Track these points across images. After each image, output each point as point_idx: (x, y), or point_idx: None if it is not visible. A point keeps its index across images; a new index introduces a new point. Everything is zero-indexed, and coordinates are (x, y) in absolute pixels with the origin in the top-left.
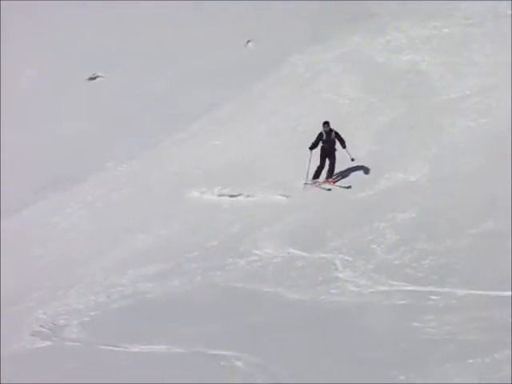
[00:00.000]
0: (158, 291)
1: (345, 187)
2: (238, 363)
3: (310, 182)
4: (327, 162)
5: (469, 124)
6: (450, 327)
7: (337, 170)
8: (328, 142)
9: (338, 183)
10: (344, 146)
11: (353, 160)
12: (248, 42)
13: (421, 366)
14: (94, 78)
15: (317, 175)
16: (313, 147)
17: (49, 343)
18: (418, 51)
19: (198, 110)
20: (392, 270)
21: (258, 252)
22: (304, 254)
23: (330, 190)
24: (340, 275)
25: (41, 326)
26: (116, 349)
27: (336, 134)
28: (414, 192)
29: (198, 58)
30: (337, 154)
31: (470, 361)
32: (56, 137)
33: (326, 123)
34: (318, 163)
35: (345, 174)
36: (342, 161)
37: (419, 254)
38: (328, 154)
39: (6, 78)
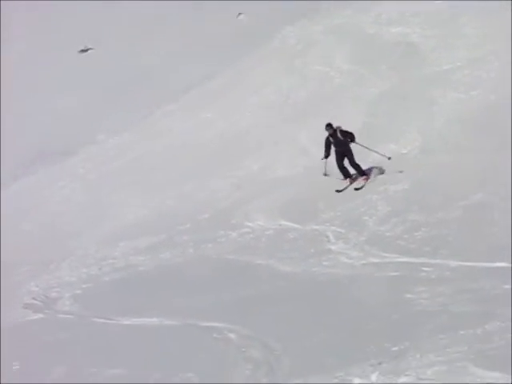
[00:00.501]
0: (149, 264)
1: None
2: (231, 335)
3: (347, 184)
4: (346, 161)
5: (459, 96)
6: (443, 298)
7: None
8: (338, 143)
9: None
10: (353, 140)
11: (389, 159)
12: (239, 14)
13: (413, 338)
14: (86, 51)
15: (345, 174)
16: (327, 156)
17: (41, 316)
18: (409, 24)
19: (188, 82)
20: (384, 242)
21: (250, 224)
22: (296, 226)
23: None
24: (332, 247)
25: (33, 299)
26: (108, 321)
27: (341, 132)
28: (406, 164)
29: (189, 31)
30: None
31: (462, 332)
32: (46, 110)
33: (328, 125)
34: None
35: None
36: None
37: (411, 225)
38: (343, 154)
39: None
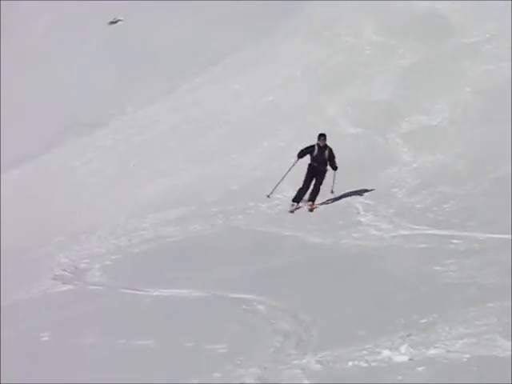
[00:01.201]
0: (178, 235)
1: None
2: (260, 307)
3: (292, 208)
4: (312, 183)
5: (488, 67)
6: (471, 271)
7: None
8: (319, 158)
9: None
10: (335, 168)
11: (332, 192)
12: None
13: (442, 310)
14: (115, 22)
15: (298, 198)
16: (301, 156)
17: (70, 287)
18: None
19: (216, 54)
20: (413, 214)
21: (279, 196)
22: (325, 198)
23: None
24: (362, 219)
25: (62, 270)
26: (137, 292)
27: (330, 151)
28: (435, 135)
29: (218, 4)
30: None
31: (491, 304)
32: (75, 81)
33: (323, 136)
34: (300, 184)
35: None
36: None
37: (440, 197)
38: (316, 174)
39: (22, 23)
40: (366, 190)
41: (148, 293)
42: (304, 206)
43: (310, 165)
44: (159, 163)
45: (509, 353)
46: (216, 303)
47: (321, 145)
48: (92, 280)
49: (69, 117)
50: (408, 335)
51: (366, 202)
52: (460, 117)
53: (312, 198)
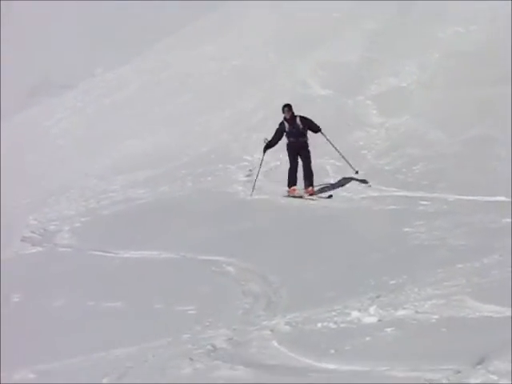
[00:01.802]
0: (148, 197)
1: (327, 197)
2: (229, 268)
3: (289, 194)
4: (299, 161)
5: (458, 30)
6: (440, 232)
7: None
8: (293, 133)
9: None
10: (317, 129)
11: (357, 173)
12: None
13: (411, 271)
14: None
15: (292, 181)
16: (271, 144)
17: (40, 249)
18: None
19: (186, 16)
20: (383, 176)
21: (248, 158)
22: None
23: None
24: (331, 181)
25: (32, 232)
26: (107, 254)
27: (302, 119)
28: (405, 98)
29: None
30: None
31: (460, 265)
32: (45, 41)
33: (286, 107)
34: (287, 164)
35: None
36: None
37: (409, 159)
38: (298, 149)
39: None
40: (336, 152)
41: (117, 255)
42: (304, 194)
43: (287, 144)
44: (128, 125)
45: (478, 313)
46: (185, 265)
47: (287, 117)
48: (61, 242)
49: (39, 78)
50: (377, 296)
51: (336, 163)
52: (429, 79)
53: (309, 182)
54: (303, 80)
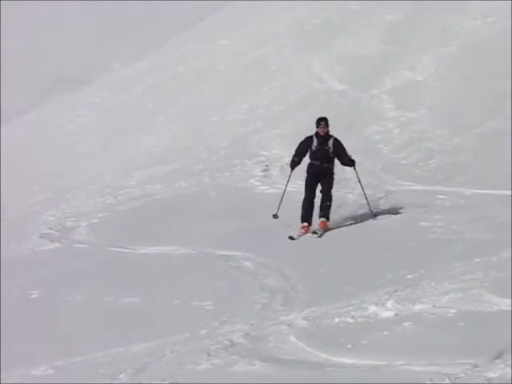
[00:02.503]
0: (165, 193)
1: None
2: (247, 263)
3: (297, 235)
4: (319, 188)
5: (475, 23)
6: (457, 226)
7: None
8: (320, 153)
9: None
10: (350, 163)
11: (374, 216)
12: None
13: (428, 265)
14: None
15: (306, 215)
16: (295, 163)
17: (57, 245)
18: None
19: (202, 11)
20: (399, 170)
21: (264, 153)
22: None
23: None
24: (347, 175)
25: (49, 229)
26: (124, 250)
27: (336, 142)
28: (421, 91)
29: None
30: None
31: (477, 259)
32: (61, 38)
33: (323, 121)
34: (302, 194)
35: None
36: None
37: (426, 153)
38: (320, 176)
39: None
40: (352, 146)
41: (135, 250)
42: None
43: (309, 164)
44: (145, 120)
45: (495, 307)
46: (203, 260)
47: (321, 134)
48: (79, 238)
49: (55, 74)
50: (394, 291)
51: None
52: (446, 73)
53: (325, 213)
54: (319, 74)
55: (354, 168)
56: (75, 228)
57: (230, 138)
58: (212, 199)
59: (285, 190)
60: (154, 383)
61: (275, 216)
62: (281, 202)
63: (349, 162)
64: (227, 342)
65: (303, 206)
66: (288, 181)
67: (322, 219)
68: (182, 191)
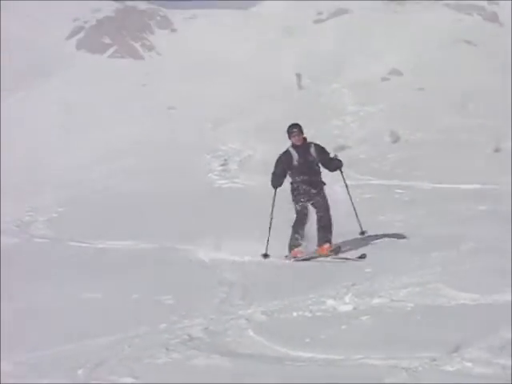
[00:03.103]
0: (126, 187)
1: (358, 258)
2: (205, 257)
3: (289, 258)
4: (310, 209)
5: (440, 20)
6: (416, 220)
7: None
8: (304, 167)
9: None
10: (336, 166)
11: (363, 234)
12: None
13: (386, 259)
14: None
15: (296, 238)
16: (277, 183)
17: (16, 240)
18: None
19: None
20: (358, 164)
21: (223, 147)
22: (269, 146)
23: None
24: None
25: (8, 223)
26: (83, 245)
27: (317, 147)
28: (383, 86)
29: None
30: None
31: (435, 254)
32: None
33: (296, 128)
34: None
35: None
36: None
37: (385, 148)
38: (310, 195)
39: None
40: (311, 139)
41: (93, 245)
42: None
43: (292, 186)
44: (107, 116)
45: (453, 302)
46: (162, 254)
47: (298, 143)
48: (38, 233)
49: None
50: (352, 285)
51: None
52: (409, 66)
53: (326, 237)
54: (279, 69)
55: (341, 170)
56: (33, 222)
57: (189, 133)
58: (172, 193)
59: (271, 220)
60: (113, 378)
61: (266, 255)
62: (268, 238)
63: (336, 164)
64: (186, 337)
65: (294, 229)
66: (273, 206)
67: (326, 245)
68: (143, 185)
